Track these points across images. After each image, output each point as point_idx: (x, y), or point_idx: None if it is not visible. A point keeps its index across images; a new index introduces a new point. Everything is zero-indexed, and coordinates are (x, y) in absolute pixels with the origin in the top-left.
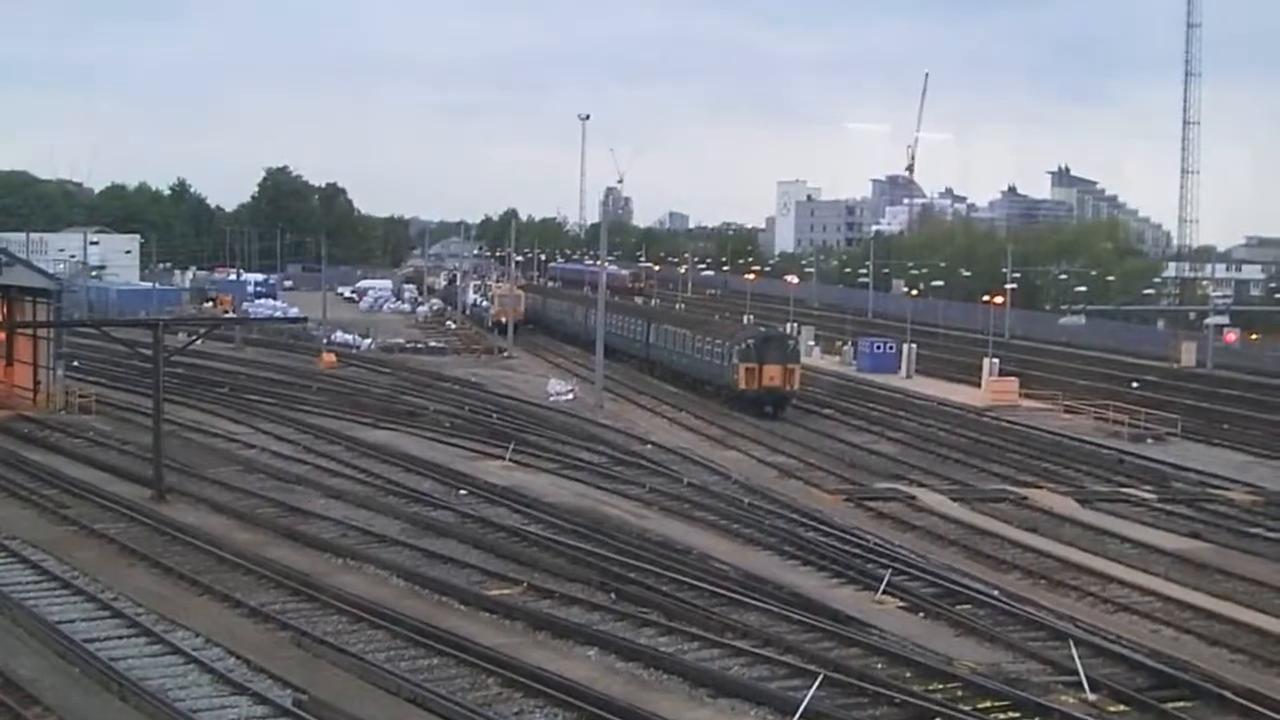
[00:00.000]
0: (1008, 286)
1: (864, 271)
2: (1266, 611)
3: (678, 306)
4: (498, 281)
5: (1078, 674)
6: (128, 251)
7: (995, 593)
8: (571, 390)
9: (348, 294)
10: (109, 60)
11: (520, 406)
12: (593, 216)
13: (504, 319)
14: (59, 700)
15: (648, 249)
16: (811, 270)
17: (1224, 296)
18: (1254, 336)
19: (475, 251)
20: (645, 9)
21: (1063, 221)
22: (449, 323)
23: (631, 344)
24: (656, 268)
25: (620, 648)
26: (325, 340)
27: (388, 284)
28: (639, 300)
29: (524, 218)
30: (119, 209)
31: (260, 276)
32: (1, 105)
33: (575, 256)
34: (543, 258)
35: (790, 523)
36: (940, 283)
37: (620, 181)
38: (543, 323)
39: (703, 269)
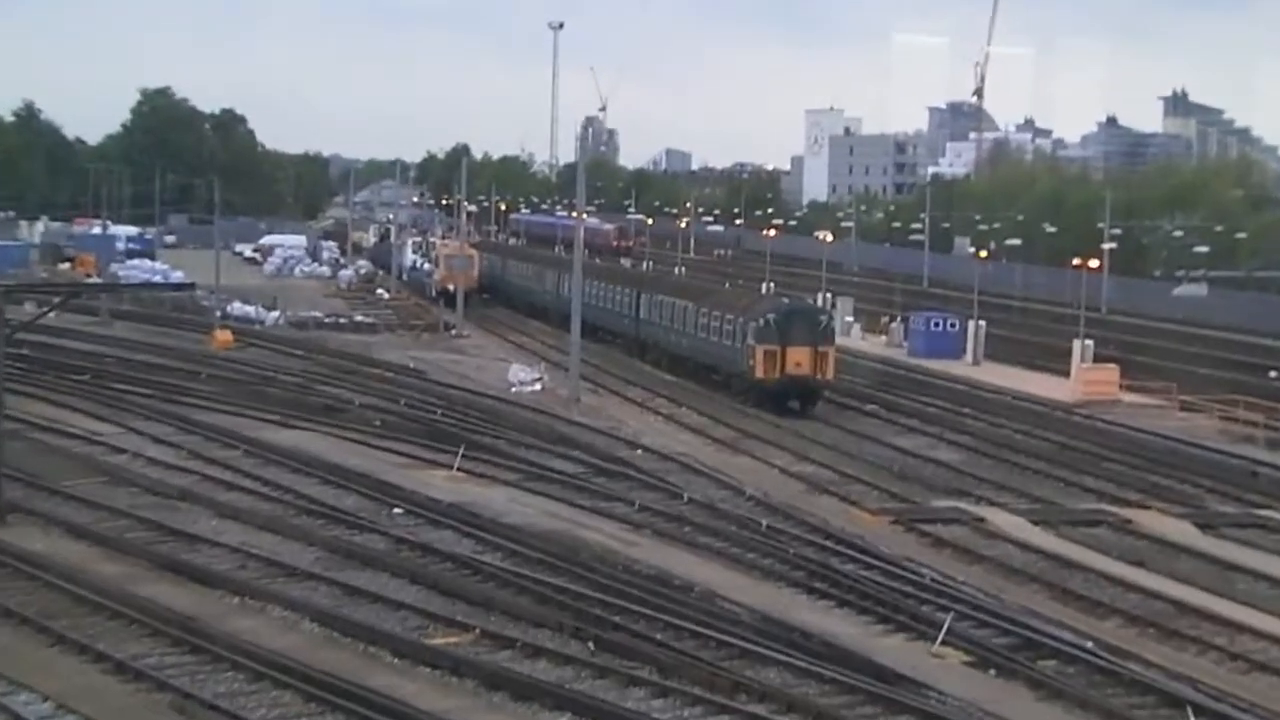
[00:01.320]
0: (1105, 246)
1: (918, 227)
2: None
3: (677, 271)
4: (444, 238)
5: None
6: None
7: (1089, 644)
8: (539, 379)
9: (249, 253)
10: None
11: (472, 400)
12: (567, 155)
13: (452, 286)
14: None
15: (638, 197)
16: (850, 225)
17: None
18: None
19: (415, 199)
20: None
21: (1178, 162)
22: (380, 291)
23: (617, 319)
24: (649, 221)
25: (601, 712)
26: (219, 314)
27: (301, 241)
28: (626, 263)
29: (478, 156)
30: None
31: (134, 230)
32: None
33: (544, 206)
34: (502, 207)
35: (821, 551)
36: (1017, 241)
37: (603, 110)
38: (502, 291)
39: (709, 223)
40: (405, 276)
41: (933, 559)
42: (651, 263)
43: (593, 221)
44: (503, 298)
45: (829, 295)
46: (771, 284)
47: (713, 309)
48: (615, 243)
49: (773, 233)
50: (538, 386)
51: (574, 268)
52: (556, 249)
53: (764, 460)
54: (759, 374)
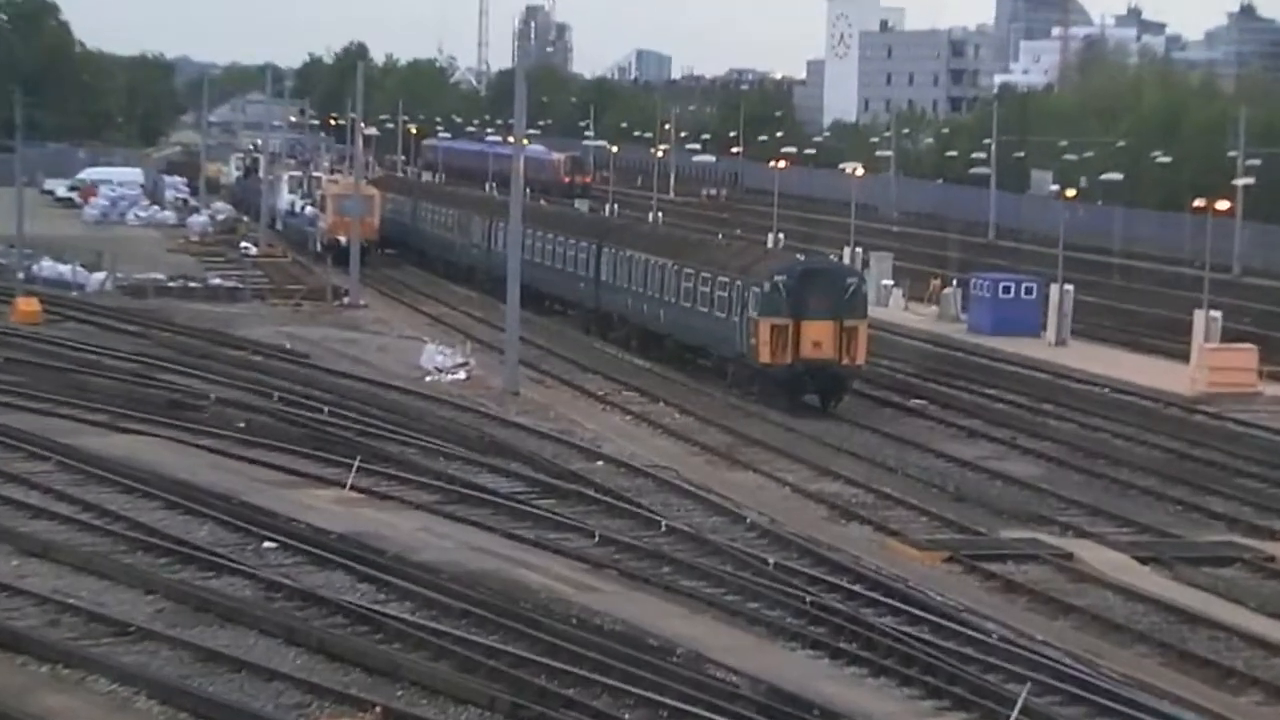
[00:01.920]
0: (1239, 183)
1: (980, 156)
2: None
3: (652, 218)
4: (333, 173)
5: None
6: None
7: None
8: (463, 365)
9: (63, 192)
10: None
11: (372, 394)
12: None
13: (344, 239)
14: None
15: (599, 116)
16: (888, 154)
17: None
18: None
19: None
20: None
21: None
22: (246, 245)
23: (570, 284)
24: (614, 149)
25: None
26: (21, 275)
27: (135, 175)
28: (583, 206)
29: (379, 60)
30: None
31: None
32: None
33: (471, 129)
34: (413, 131)
35: (849, 600)
36: (1117, 176)
37: None
38: (414, 245)
39: (696, 151)
40: (280, 225)
41: (1002, 610)
42: (617, 206)
43: (537, 149)
44: (414, 253)
45: (859, 250)
46: (781, 235)
47: (701, 269)
48: (567, 178)
49: (783, 165)
50: (461, 375)
51: (511, 213)
52: (487, 187)
53: (770, 475)
54: (764, 358)
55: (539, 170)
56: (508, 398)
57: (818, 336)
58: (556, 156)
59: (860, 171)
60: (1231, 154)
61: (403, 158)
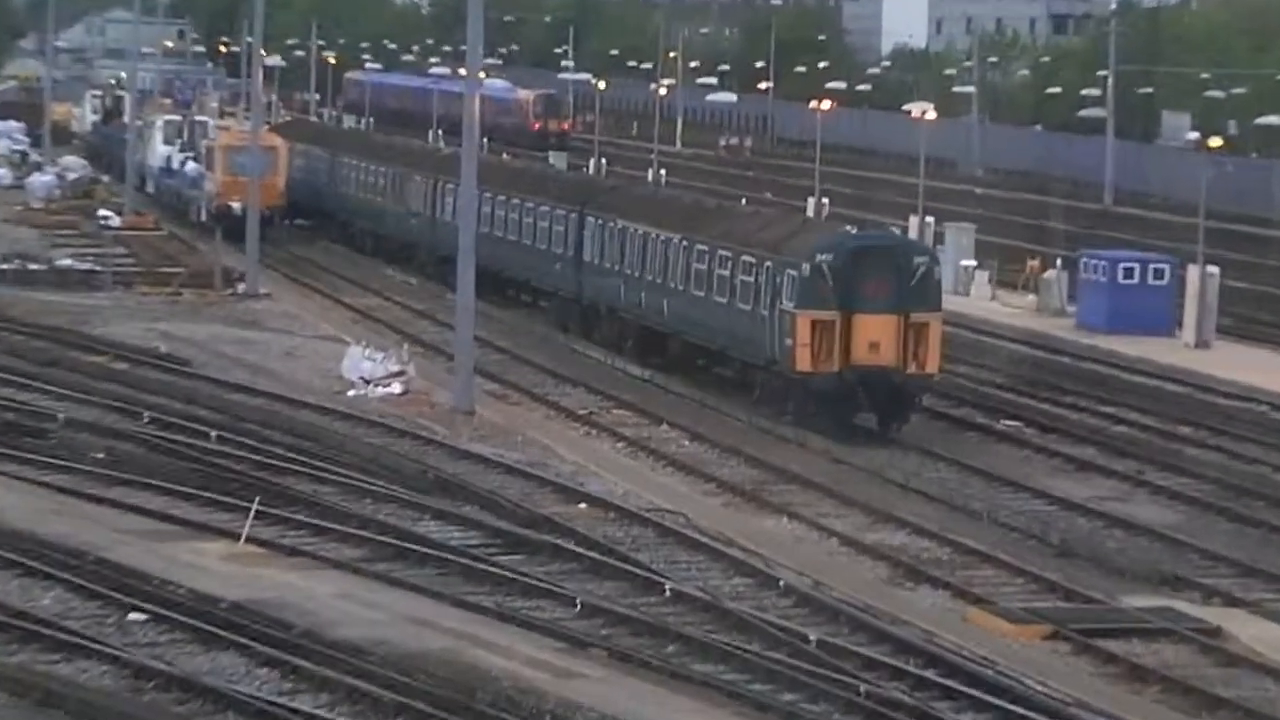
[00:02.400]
0: None
1: (1093, 94)
2: None
3: (652, 178)
4: (224, 117)
5: None
6: None
7: None
8: (400, 374)
9: None
10: None
11: (278, 413)
12: None
13: (239, 205)
14: None
15: (580, 41)
16: (968, 89)
17: None
18: None
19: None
20: None
21: None
22: (105, 214)
23: (542, 265)
24: (601, 85)
25: None
26: None
27: None
28: (560, 162)
29: None
30: None
31: None
32: None
33: (409, 59)
34: (331, 61)
35: (919, 690)
36: (1276, 119)
37: None
38: (332, 213)
39: (711, 88)
40: (152, 187)
41: (1126, 704)
42: (605, 162)
43: (498, 86)
44: (333, 225)
45: (930, 220)
46: (825, 200)
47: (718, 246)
48: (538, 124)
49: (827, 106)
50: (396, 388)
51: (463, 171)
52: (431, 136)
53: (812, 522)
54: (803, 364)
55: (501, 113)
56: (459, 418)
57: (875, 336)
58: (524, 95)
59: (931, 115)
60: None
61: (317, 97)
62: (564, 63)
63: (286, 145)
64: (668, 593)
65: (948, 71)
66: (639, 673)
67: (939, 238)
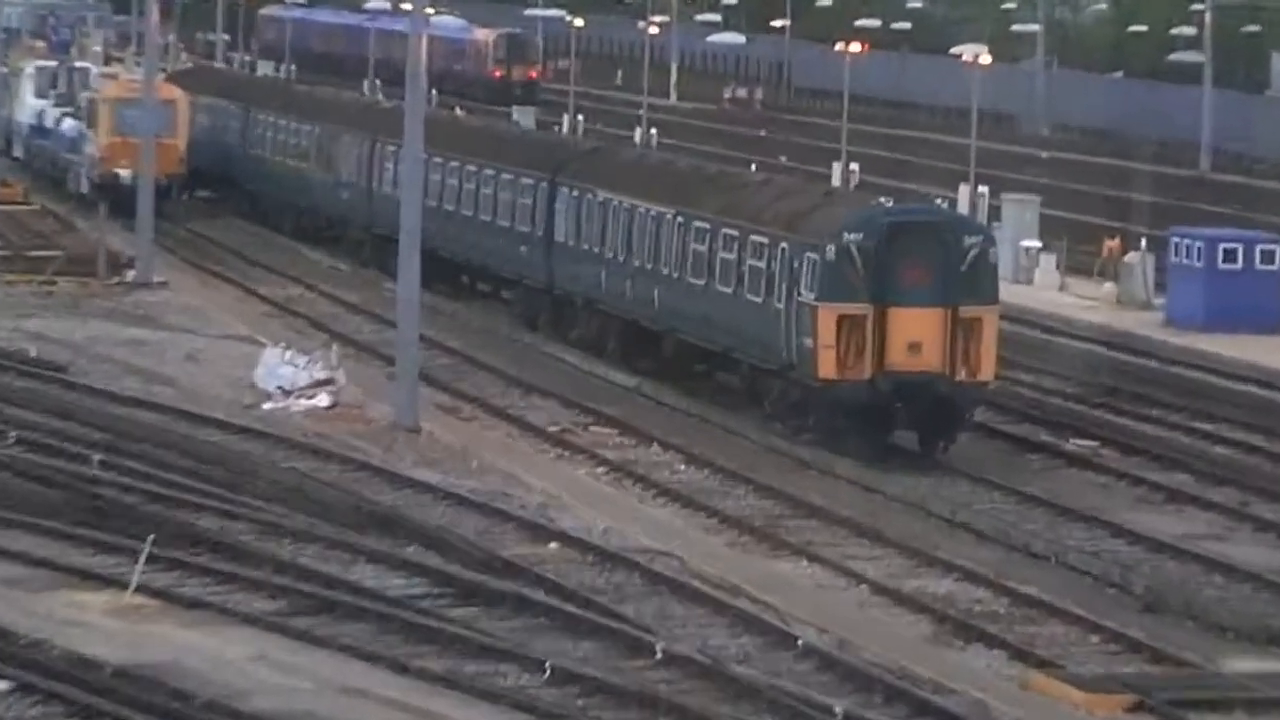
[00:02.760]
0: None
1: (1186, 33)
2: None
3: (640, 138)
4: (110, 63)
5: None
6: None
7: None
8: (328, 382)
9: None
10: None
11: (176, 432)
12: None
13: (127, 172)
14: None
15: None
16: (1031, 28)
17: None
18: None
19: None
20: None
21: None
22: None
23: (504, 247)
24: (577, 22)
25: None
26: None
27: None
28: (526, 118)
29: None
30: None
31: None
32: None
33: None
34: None
35: None
36: None
37: None
38: (244, 183)
39: (713, 26)
40: (22, 150)
41: None
42: (582, 118)
43: (450, 24)
44: (245, 198)
45: (985, 191)
46: (854, 166)
47: (722, 224)
48: (499, 71)
49: (857, 49)
50: (324, 400)
51: (406, 131)
52: (367, 87)
53: (837, 566)
54: (827, 370)
55: (454, 58)
56: (401, 438)
57: (916, 334)
58: (482, 36)
59: (986, 59)
60: None
61: (226, 38)
62: None
63: (188, 98)
64: (659, 655)
65: (1006, 6)
66: None
67: (995, 212)
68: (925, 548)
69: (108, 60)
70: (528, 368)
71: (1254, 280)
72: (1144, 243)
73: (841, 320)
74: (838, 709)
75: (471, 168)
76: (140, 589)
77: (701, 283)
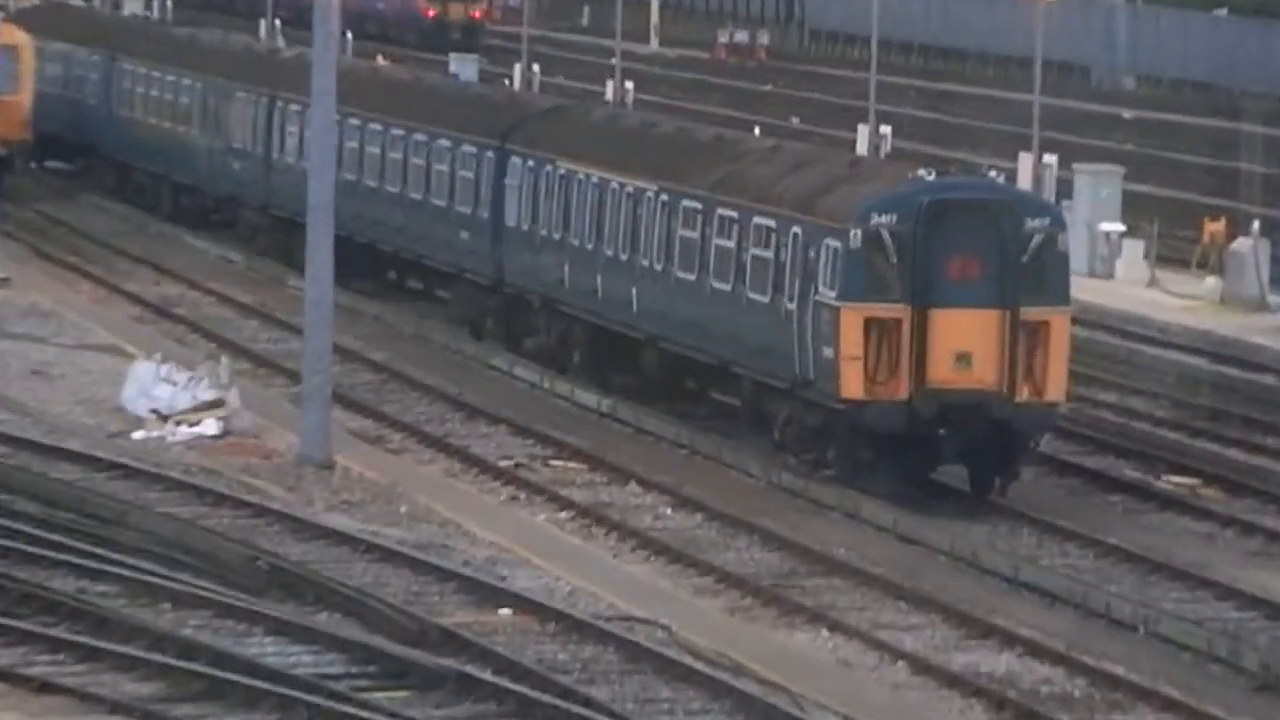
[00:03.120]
0: None
1: None
2: None
3: (612, 94)
4: None
5: None
6: None
7: None
8: (216, 404)
9: None
10: None
11: (22, 469)
12: None
13: None
14: None
15: None
16: None
17: None
18: None
19: None
20: None
21: None
22: None
23: (439, 231)
24: None
25: None
26: None
27: None
28: (465, 70)
29: None
30: None
31: None
32: None
33: None
34: None
35: None
36: None
37: None
38: (107, 151)
39: None
40: None
41: None
42: (538, 69)
43: None
44: (109, 169)
45: (1051, 161)
46: (885, 129)
47: (717, 203)
48: (433, 9)
49: None
50: (210, 427)
51: (314, 85)
52: (265, 29)
53: (867, 636)
54: (852, 388)
55: None
56: (309, 475)
57: (965, 343)
58: None
59: None
60: None
61: None
62: None
63: (33, 44)
64: None
65: None
66: None
67: (1065, 188)
68: (979, 613)
69: None
70: (471, 386)
71: None
72: (1256, 226)
73: (870, 325)
74: None
75: (398, 132)
76: None
77: (692, 278)
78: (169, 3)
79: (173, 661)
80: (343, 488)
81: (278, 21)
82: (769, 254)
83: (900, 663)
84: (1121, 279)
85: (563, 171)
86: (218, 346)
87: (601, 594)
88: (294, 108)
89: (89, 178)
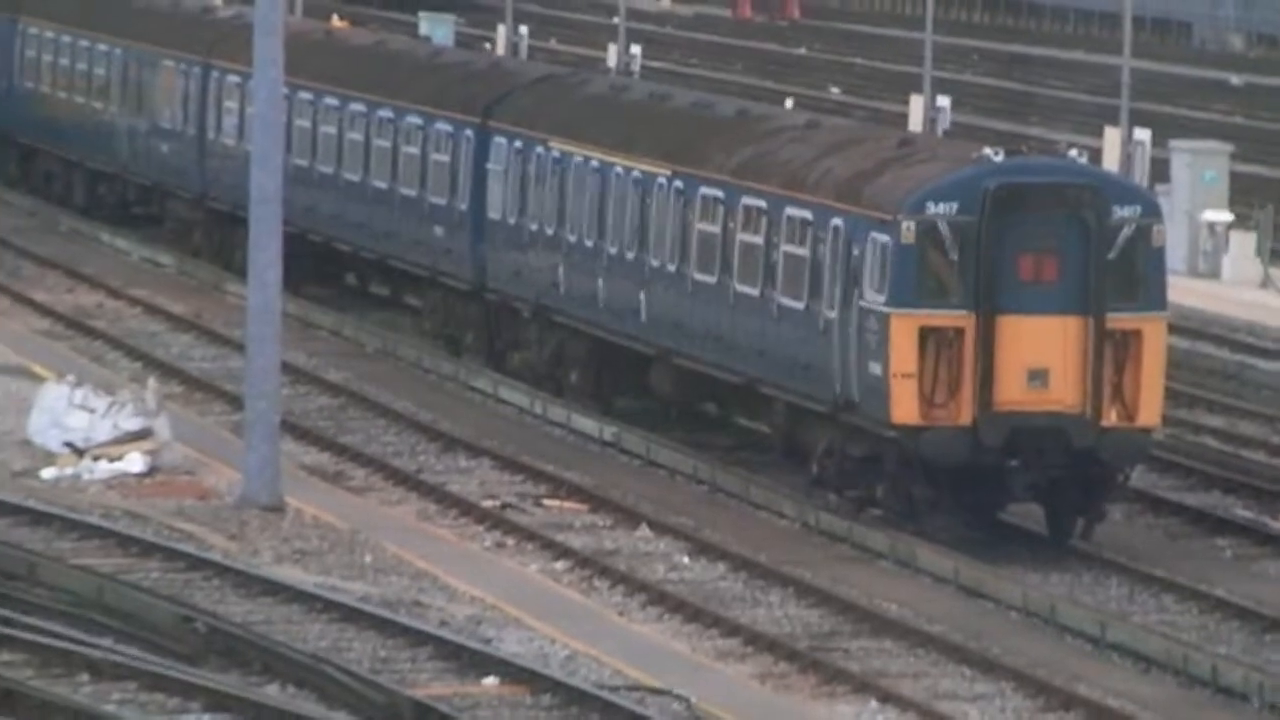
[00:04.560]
0: None
1: None
2: None
3: (615, 61)
4: None
5: None
6: None
7: None
8: (145, 433)
9: None
10: None
11: None
12: None
13: None
14: None
15: None
16: None
17: None
18: None
19: None
20: None
21: None
22: None
23: (409, 226)
24: None
25: None
26: None
27: None
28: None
29: None
30: None
31: None
32: None
33: None
34: None
35: None
36: None
37: None
38: (8, 130)
39: None
40: None
41: None
42: (526, 32)
43: None
44: (11, 152)
45: (1144, 137)
46: (943, 101)
47: (741, 191)
48: None
49: None
50: (137, 462)
51: (256, 50)
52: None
53: (924, 709)
54: (904, 411)
55: None
56: (256, 518)
57: (1040, 357)
58: None
59: None
60: None
61: None
62: None
63: None
64: None
65: None
66: None
67: (1161, 169)
68: (1058, 681)
69: None
70: (449, 411)
71: None
72: None
73: (926, 335)
74: None
75: (358, 108)
76: None
77: (712, 280)
78: None
79: None
80: (294, 534)
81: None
82: (804, 251)
83: None
84: (1229, 279)
85: (556, 154)
86: (144, 366)
87: (606, 659)
88: (233, 79)
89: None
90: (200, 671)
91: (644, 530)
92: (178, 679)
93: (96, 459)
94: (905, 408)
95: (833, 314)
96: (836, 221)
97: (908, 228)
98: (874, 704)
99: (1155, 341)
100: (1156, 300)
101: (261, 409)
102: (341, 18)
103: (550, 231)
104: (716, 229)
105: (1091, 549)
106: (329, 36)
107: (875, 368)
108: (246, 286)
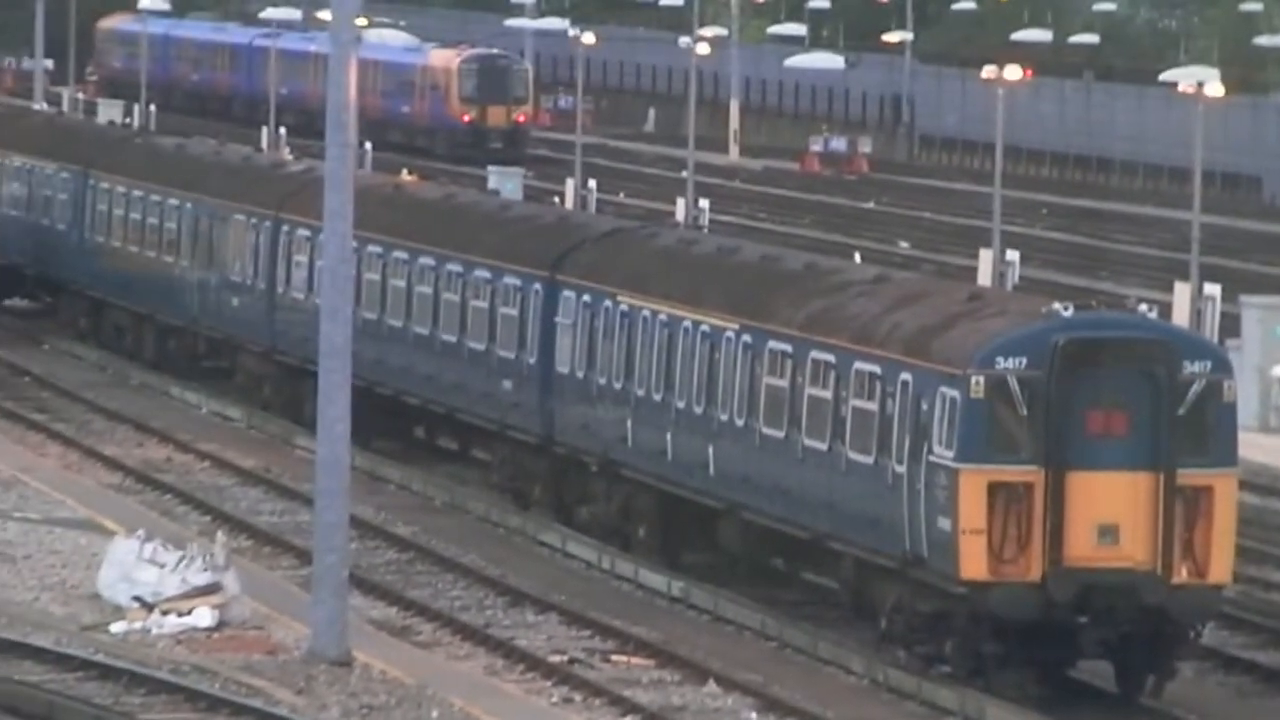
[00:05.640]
0: None
1: None
2: None
3: (683, 214)
4: None
5: None
6: None
7: None
8: (214, 587)
9: None
10: None
11: None
12: None
13: None
14: None
15: None
16: None
17: None
18: None
19: None
20: None
21: None
22: None
23: (478, 381)
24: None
25: None
26: None
27: None
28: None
29: None
30: None
31: None
32: None
33: None
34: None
35: None
36: None
37: None
38: (77, 283)
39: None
40: None
41: None
42: (595, 185)
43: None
44: (79, 305)
45: (1214, 292)
46: (1012, 255)
47: (810, 345)
48: (468, 113)
49: (1015, 75)
50: (205, 617)
51: (326, 206)
52: (267, 137)
53: None
54: (974, 567)
55: (401, 93)
56: (324, 673)
57: (1110, 513)
58: (444, 59)
59: (1216, 89)
60: None
61: (50, 65)
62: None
63: None
64: None
65: (1246, 7)
66: None
67: (1232, 325)
68: None
69: None
70: (515, 566)
71: None
72: None
73: (996, 491)
74: None
75: (427, 261)
76: None
77: (780, 435)
78: (152, 108)
79: None
80: (362, 689)
81: (282, 129)
82: (873, 406)
83: None
84: None
85: (624, 308)
86: (212, 520)
87: None
88: (303, 233)
89: (57, 317)
90: None
91: (711, 686)
92: None
93: (165, 613)
94: (974, 563)
95: (901, 469)
96: (905, 376)
97: (977, 382)
98: None
99: (1226, 497)
100: (1227, 456)
101: (330, 563)
102: (410, 172)
103: (618, 385)
104: (785, 383)
105: (1162, 707)
106: (398, 190)
107: (944, 523)
108: (315, 440)
